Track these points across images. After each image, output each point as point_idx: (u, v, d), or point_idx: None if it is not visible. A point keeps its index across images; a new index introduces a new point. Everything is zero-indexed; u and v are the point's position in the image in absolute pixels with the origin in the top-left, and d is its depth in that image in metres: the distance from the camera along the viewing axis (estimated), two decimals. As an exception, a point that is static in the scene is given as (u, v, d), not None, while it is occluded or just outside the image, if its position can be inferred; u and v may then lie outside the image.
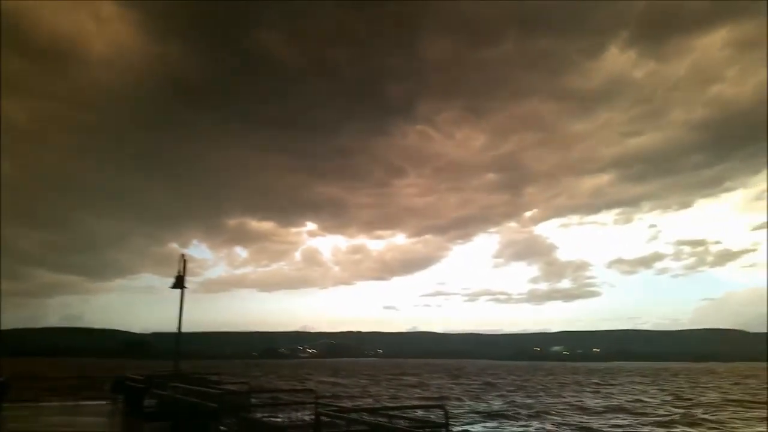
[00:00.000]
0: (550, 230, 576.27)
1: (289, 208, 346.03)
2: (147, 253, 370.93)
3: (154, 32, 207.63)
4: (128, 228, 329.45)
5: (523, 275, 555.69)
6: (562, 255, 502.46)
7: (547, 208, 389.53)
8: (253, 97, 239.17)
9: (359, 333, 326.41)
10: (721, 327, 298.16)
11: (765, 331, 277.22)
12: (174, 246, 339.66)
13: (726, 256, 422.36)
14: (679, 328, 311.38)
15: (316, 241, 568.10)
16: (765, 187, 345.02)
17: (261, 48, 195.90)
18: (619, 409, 30.29)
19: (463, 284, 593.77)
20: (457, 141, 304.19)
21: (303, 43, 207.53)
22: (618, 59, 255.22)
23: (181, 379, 15.69)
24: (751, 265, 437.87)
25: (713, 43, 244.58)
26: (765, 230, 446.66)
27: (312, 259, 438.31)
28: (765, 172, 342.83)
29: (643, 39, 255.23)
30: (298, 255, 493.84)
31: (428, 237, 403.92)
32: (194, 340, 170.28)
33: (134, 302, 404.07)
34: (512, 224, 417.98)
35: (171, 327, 19.60)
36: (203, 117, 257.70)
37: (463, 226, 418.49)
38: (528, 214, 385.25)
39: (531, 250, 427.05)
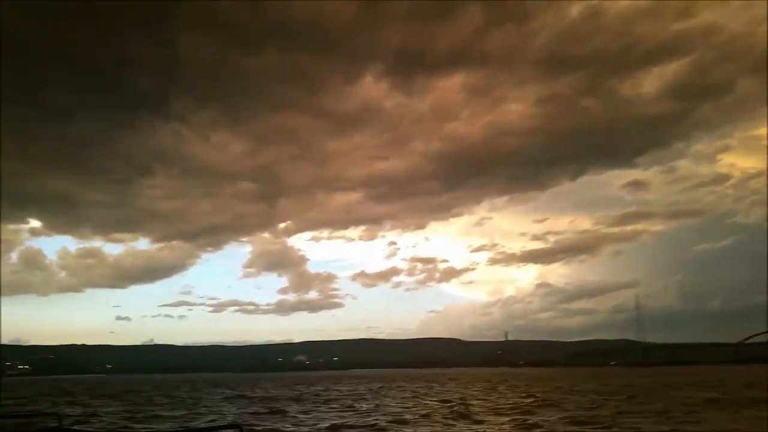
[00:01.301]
0: (302, 242, 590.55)
1: (7, 201, 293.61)
2: None
3: None
4: None
5: (272, 286, 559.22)
6: (312, 267, 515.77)
7: (301, 220, 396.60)
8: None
9: (86, 346, 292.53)
10: (442, 336, 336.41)
11: (478, 340, 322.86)
12: None
13: (450, 273, 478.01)
14: (409, 337, 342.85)
15: (40, 241, 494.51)
16: (484, 215, 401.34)
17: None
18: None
19: (210, 294, 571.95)
20: (214, 144, 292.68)
21: (44, 17, 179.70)
22: (372, 88, 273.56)
23: None
24: (469, 282, 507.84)
25: (452, 85, 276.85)
26: (482, 252, 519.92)
27: (33, 261, 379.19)
28: (485, 202, 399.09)
29: (395, 73, 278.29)
30: (14, 256, 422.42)
31: (175, 243, 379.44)
32: None
33: None
34: (266, 235, 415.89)
35: None
36: None
37: (215, 234, 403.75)
38: (282, 225, 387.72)
39: (282, 261, 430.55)
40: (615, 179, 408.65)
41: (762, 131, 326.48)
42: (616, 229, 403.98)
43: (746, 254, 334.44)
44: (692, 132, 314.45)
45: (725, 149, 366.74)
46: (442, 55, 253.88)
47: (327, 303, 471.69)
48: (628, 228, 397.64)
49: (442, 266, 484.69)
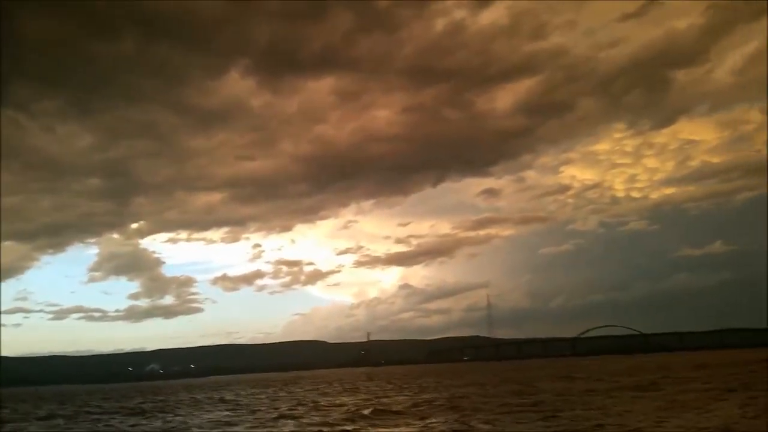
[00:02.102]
0: (156, 244, 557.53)
1: None
2: None
3: None
4: None
5: (122, 291, 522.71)
6: (168, 270, 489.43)
7: (156, 221, 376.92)
8: None
9: None
10: (307, 339, 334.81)
11: (343, 341, 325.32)
12: None
13: (316, 276, 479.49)
14: (272, 341, 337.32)
15: None
16: (350, 218, 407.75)
17: None
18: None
19: (50, 300, 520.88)
20: (58, 136, 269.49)
21: None
22: (238, 84, 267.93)
23: None
24: (335, 284, 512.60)
25: (322, 88, 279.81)
26: (348, 255, 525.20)
27: None
28: (352, 206, 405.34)
29: (263, 71, 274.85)
30: None
31: (9, 243, 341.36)
32: None
33: None
34: (115, 236, 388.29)
35: None
36: None
37: (57, 234, 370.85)
38: (134, 225, 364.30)
39: (134, 265, 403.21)
40: (471, 187, 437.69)
41: (599, 147, 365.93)
42: (471, 233, 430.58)
43: (584, 257, 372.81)
44: (539, 145, 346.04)
45: (567, 162, 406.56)
46: (312, 57, 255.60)
47: (184, 308, 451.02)
48: (482, 232, 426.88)
49: (307, 269, 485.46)
